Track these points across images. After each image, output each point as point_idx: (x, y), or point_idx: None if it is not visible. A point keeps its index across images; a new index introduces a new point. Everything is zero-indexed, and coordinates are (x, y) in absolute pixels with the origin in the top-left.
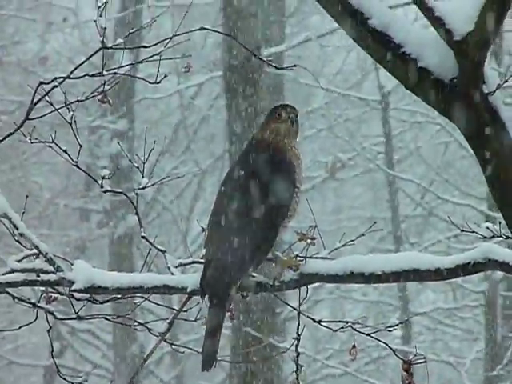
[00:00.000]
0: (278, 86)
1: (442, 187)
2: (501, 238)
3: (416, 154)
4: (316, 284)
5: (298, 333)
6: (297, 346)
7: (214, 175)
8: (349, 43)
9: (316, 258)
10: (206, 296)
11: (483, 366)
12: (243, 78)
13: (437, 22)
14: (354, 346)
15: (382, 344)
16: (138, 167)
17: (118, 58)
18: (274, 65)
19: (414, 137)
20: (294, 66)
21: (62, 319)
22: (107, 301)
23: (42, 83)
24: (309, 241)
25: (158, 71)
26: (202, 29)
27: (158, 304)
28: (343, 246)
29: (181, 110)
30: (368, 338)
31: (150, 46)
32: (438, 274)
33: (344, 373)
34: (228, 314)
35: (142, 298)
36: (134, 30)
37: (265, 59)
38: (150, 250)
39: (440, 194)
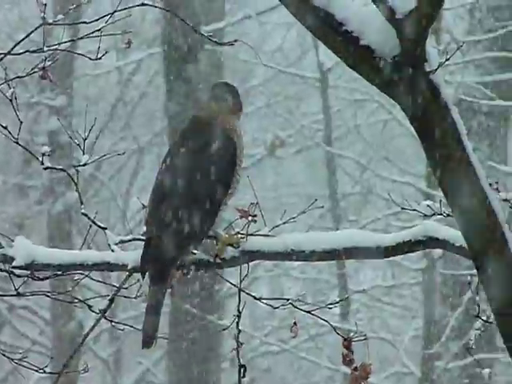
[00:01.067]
0: (218, 63)
1: (380, 165)
2: (440, 216)
3: (355, 131)
4: (255, 261)
5: (238, 310)
6: (237, 322)
7: (152, 152)
8: (288, 20)
9: (257, 235)
10: (147, 273)
11: (421, 343)
12: (182, 54)
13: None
14: (294, 324)
15: (320, 321)
16: (78, 144)
17: (57, 35)
18: (214, 40)
19: (352, 114)
20: (235, 41)
21: (1, 296)
22: (48, 277)
23: None
24: (250, 218)
25: (99, 47)
26: (142, 5)
27: (98, 281)
28: (284, 223)
29: (120, 86)
30: (306, 315)
31: (90, 22)
32: (379, 252)
33: (282, 350)
34: (169, 291)
35: (82, 274)
36: (74, 5)
37: (206, 34)
38: (91, 226)
39: (379, 172)
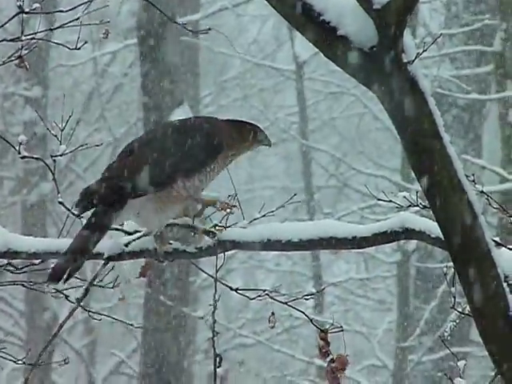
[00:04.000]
0: (193, 55)
1: (356, 158)
2: (416, 208)
3: (330, 124)
4: (231, 252)
5: (214, 300)
6: (213, 312)
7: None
8: (264, 13)
9: (236, 227)
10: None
11: (395, 336)
12: (158, 46)
13: None
14: (272, 314)
15: (294, 314)
16: (55, 135)
17: (32, 26)
18: (190, 29)
19: (328, 107)
20: (209, 29)
21: None
22: (25, 267)
23: None
24: (229, 210)
25: (79, 37)
26: None
27: None
28: (263, 216)
29: (95, 77)
30: (280, 308)
31: (67, 11)
32: (355, 242)
33: (256, 342)
34: (145, 279)
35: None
36: None
37: (181, 23)
38: (68, 216)
39: (354, 165)
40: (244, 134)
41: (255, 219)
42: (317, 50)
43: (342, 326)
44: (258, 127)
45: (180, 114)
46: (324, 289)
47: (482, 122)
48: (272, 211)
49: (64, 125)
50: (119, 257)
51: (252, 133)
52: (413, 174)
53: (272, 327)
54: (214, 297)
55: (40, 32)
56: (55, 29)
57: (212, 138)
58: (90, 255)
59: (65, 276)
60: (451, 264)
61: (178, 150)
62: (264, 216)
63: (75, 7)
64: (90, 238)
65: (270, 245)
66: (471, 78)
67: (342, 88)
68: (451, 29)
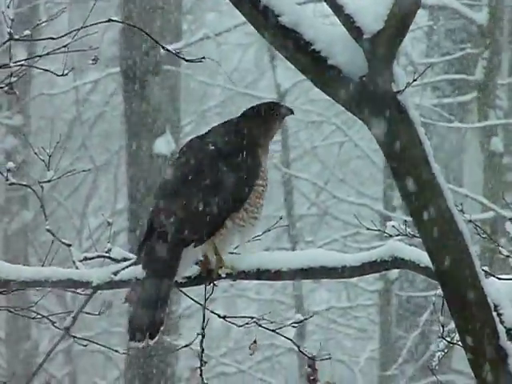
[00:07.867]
0: (175, 84)
1: (337, 186)
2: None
3: (312, 153)
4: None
5: (202, 328)
6: (201, 341)
7: (109, 172)
8: (245, 42)
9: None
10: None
11: (377, 365)
12: (140, 74)
13: (346, 20)
14: (255, 341)
15: (276, 342)
16: (43, 160)
17: (14, 54)
18: (182, 57)
19: (309, 136)
20: (203, 58)
21: None
22: (9, 291)
23: None
24: None
25: (65, 64)
26: (109, 21)
27: (66, 290)
28: (248, 241)
29: (76, 106)
30: (261, 336)
31: (57, 38)
32: (344, 272)
33: (238, 370)
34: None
35: (43, 290)
36: (40, 21)
37: (172, 51)
38: (53, 242)
39: (335, 194)
40: (268, 122)
41: (238, 245)
42: (298, 78)
43: (329, 354)
44: (274, 103)
45: (162, 142)
46: (311, 317)
47: (464, 150)
48: (258, 235)
49: (51, 150)
50: (108, 285)
51: (273, 113)
52: (394, 203)
53: (251, 354)
54: (203, 325)
55: (28, 59)
56: (44, 55)
57: (247, 156)
58: (167, 307)
59: (149, 333)
60: (434, 293)
61: (223, 187)
62: (249, 241)
63: (65, 35)
64: (161, 285)
65: (259, 274)
66: (453, 107)
67: (323, 117)
68: (433, 58)
